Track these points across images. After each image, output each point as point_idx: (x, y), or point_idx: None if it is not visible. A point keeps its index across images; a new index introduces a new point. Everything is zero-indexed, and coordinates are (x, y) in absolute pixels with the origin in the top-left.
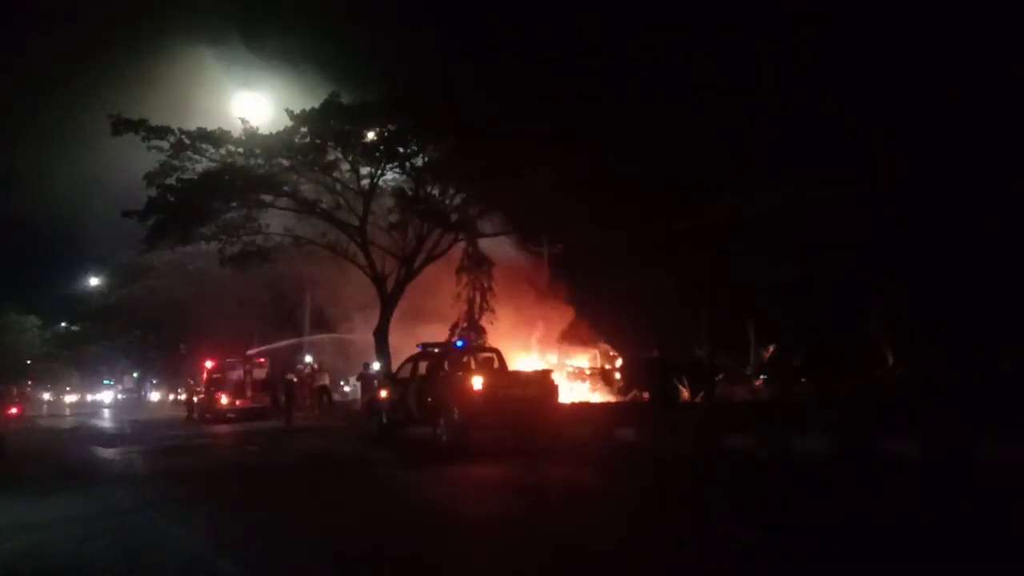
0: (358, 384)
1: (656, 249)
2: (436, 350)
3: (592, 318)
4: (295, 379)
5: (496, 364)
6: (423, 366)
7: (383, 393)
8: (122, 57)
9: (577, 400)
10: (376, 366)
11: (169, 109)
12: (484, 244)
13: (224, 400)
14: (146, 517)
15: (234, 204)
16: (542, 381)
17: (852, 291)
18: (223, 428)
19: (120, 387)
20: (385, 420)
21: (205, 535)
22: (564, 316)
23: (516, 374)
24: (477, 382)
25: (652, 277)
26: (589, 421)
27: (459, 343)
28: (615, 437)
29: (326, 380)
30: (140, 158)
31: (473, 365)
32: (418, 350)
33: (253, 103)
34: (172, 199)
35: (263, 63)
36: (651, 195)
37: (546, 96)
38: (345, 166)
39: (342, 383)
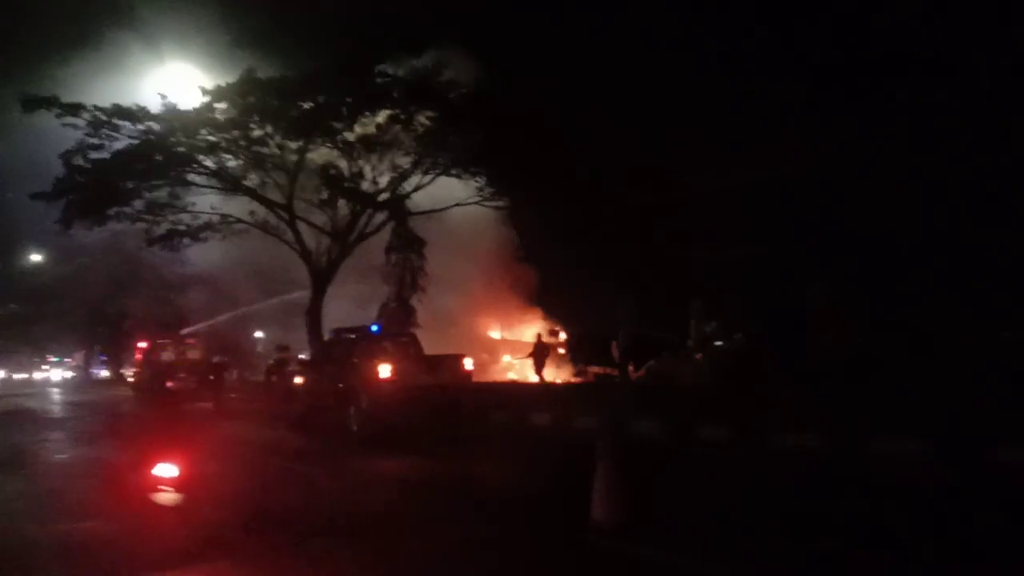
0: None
1: (605, 226)
2: (352, 336)
3: (541, 293)
4: (220, 361)
5: (412, 350)
6: (337, 352)
7: (298, 379)
8: (54, 35)
9: (507, 380)
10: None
11: (97, 85)
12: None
13: (155, 381)
14: None
15: (155, 183)
16: (455, 367)
17: (798, 270)
18: (155, 411)
19: (70, 363)
20: (301, 407)
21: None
22: (518, 288)
23: (428, 359)
24: (384, 369)
25: (601, 253)
26: (507, 406)
27: (373, 328)
28: (530, 422)
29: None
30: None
31: (389, 351)
32: (332, 334)
33: (179, 77)
34: (81, 179)
35: (190, 35)
36: (604, 173)
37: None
38: (273, 141)
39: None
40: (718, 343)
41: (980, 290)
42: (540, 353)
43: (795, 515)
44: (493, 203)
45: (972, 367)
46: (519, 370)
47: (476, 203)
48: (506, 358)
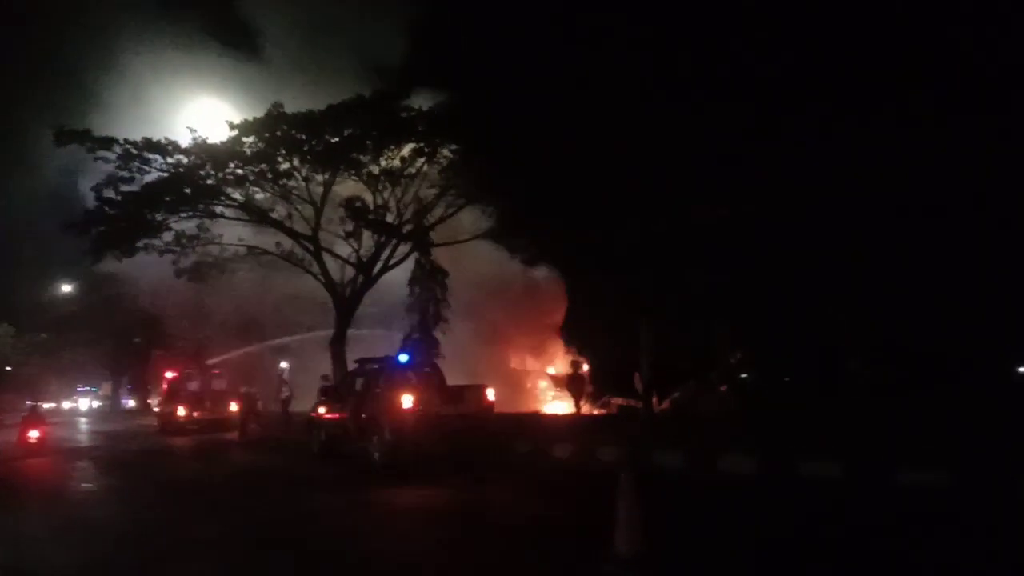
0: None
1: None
2: (375, 366)
3: (563, 324)
4: (249, 391)
5: (434, 380)
6: (361, 382)
7: (321, 409)
8: (84, 65)
9: (529, 410)
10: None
11: (128, 120)
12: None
13: (182, 412)
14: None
15: (183, 215)
16: (477, 397)
17: (820, 298)
18: (179, 441)
19: (97, 393)
20: (324, 437)
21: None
22: (541, 320)
23: (450, 390)
24: (407, 400)
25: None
26: (528, 437)
27: (401, 358)
28: (552, 453)
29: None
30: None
31: (412, 381)
32: (356, 365)
33: (208, 112)
34: (112, 211)
35: (218, 71)
36: (622, 202)
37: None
38: (299, 174)
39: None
40: (744, 375)
41: (1002, 322)
42: (577, 385)
43: (819, 546)
44: (514, 235)
45: (991, 398)
46: (540, 401)
47: (498, 235)
48: (543, 383)
